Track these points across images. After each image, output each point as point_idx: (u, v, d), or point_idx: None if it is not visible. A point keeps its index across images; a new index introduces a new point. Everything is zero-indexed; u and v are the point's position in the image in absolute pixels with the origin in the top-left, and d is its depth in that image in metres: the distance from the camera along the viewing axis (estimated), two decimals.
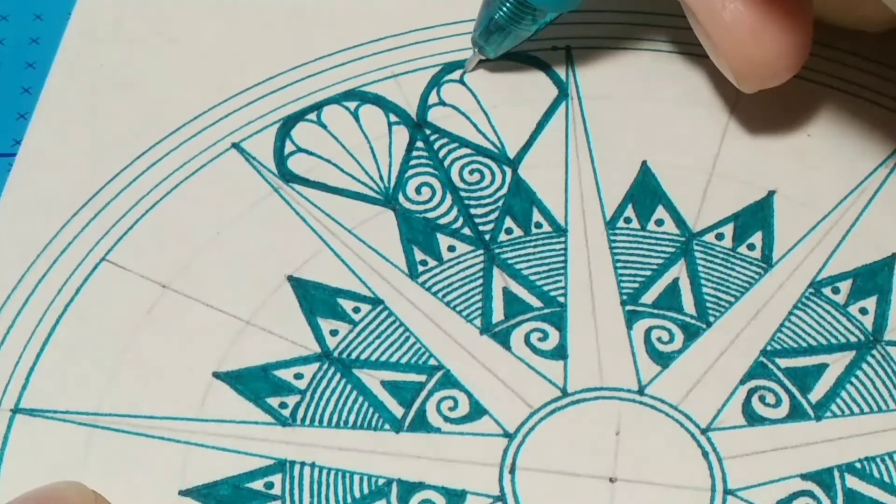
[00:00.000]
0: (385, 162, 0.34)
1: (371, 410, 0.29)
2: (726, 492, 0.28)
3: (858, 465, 0.28)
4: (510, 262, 0.32)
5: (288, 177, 0.33)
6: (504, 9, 0.33)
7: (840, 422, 0.29)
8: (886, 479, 0.28)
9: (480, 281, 0.31)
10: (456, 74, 0.35)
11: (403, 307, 0.31)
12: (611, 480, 0.28)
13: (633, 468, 0.28)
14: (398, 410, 0.29)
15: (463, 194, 0.33)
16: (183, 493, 0.28)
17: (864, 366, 0.30)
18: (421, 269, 0.32)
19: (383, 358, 0.30)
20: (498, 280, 0.31)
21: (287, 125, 0.34)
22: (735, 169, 0.33)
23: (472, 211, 0.33)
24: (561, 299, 0.31)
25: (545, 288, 0.31)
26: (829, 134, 0.34)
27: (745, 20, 0.31)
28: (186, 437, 0.29)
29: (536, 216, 0.33)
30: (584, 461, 0.29)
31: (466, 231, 0.32)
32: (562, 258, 0.32)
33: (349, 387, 0.30)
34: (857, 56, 0.35)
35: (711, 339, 0.30)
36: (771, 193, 0.33)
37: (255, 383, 0.30)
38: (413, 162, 0.34)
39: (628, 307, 0.31)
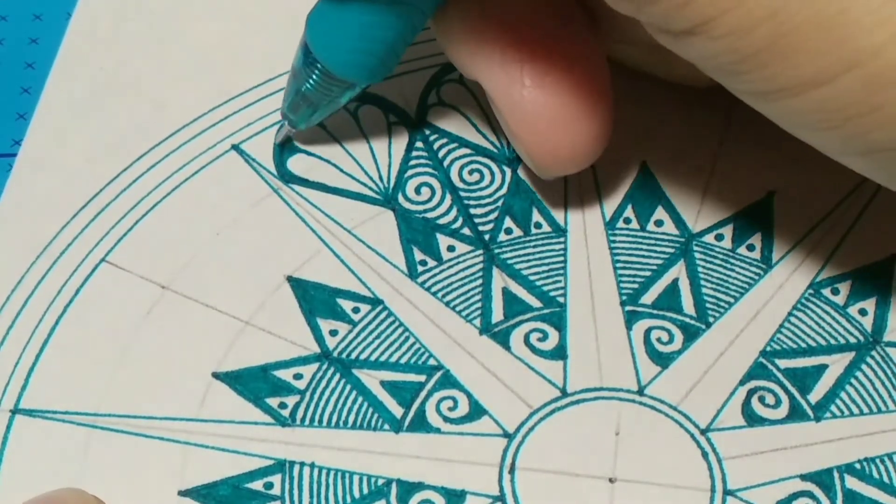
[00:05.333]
0: (384, 162, 0.34)
1: (370, 410, 0.29)
2: (726, 492, 0.28)
3: (858, 466, 0.28)
4: (510, 262, 0.32)
5: (287, 178, 0.33)
6: (311, 81, 0.31)
7: (839, 422, 0.29)
8: (886, 479, 0.28)
9: (480, 281, 0.31)
10: (455, 74, 0.35)
11: (403, 307, 0.31)
12: (610, 481, 0.28)
13: (633, 468, 0.28)
14: (398, 410, 0.29)
15: (462, 194, 0.33)
16: (182, 493, 0.28)
17: (864, 367, 0.30)
18: (420, 269, 0.32)
19: (383, 358, 0.30)
20: (497, 280, 0.31)
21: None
22: (735, 169, 0.33)
23: (472, 211, 0.33)
24: (560, 299, 0.31)
25: (545, 288, 0.31)
26: None
27: (544, 111, 0.30)
28: (186, 437, 0.29)
29: (536, 216, 0.33)
30: (583, 461, 0.29)
31: (466, 231, 0.32)
32: (561, 258, 0.32)
33: (349, 387, 0.30)
34: None
35: (711, 339, 0.30)
36: (771, 194, 0.33)
37: (254, 383, 0.30)
38: (412, 162, 0.34)
39: (628, 307, 0.31)
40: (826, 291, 0.31)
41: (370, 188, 0.33)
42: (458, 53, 0.31)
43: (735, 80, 0.26)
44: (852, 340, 0.30)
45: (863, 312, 0.31)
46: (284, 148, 0.34)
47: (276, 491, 0.28)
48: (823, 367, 0.30)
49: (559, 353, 0.30)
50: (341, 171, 0.34)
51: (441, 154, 0.34)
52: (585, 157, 0.31)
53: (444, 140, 0.34)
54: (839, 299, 0.31)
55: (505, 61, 0.30)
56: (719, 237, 0.32)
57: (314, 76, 0.31)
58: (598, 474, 0.28)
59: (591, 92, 0.30)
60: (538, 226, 0.32)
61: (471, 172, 0.34)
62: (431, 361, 0.30)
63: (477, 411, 0.29)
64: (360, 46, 0.30)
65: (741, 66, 0.25)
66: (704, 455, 0.29)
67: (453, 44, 0.31)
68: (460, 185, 0.33)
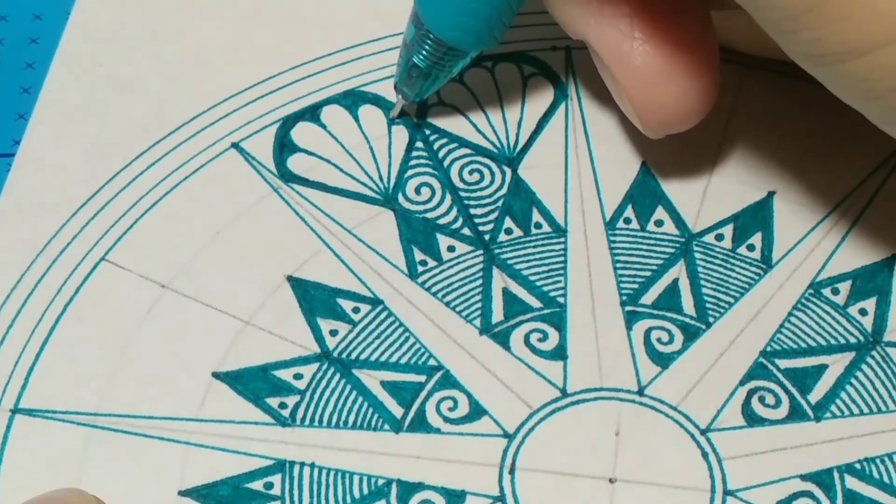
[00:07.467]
0: (385, 162, 0.34)
1: (371, 411, 0.29)
2: (726, 492, 0.28)
3: (858, 466, 0.28)
4: (510, 262, 0.32)
5: (287, 177, 0.33)
6: (423, 52, 0.32)
7: (840, 422, 0.29)
8: (886, 479, 0.28)
9: (480, 281, 0.31)
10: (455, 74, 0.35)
11: (403, 307, 0.31)
12: (610, 481, 0.28)
13: (633, 469, 0.28)
14: (398, 411, 0.29)
15: (462, 194, 0.33)
16: (182, 493, 0.28)
17: (864, 367, 0.30)
18: (420, 269, 0.32)
19: (383, 358, 0.30)
20: (498, 280, 0.31)
21: (286, 125, 0.34)
22: (735, 169, 0.33)
23: (472, 211, 0.33)
24: (560, 300, 0.31)
25: (545, 288, 0.31)
26: (829, 134, 0.34)
27: (654, 64, 0.30)
28: (186, 437, 0.29)
29: (536, 216, 0.33)
30: (583, 462, 0.29)
31: (466, 231, 0.32)
32: (561, 258, 0.32)
33: (349, 387, 0.30)
34: None
35: (711, 339, 0.30)
36: (771, 194, 0.33)
37: (254, 383, 0.30)
38: (413, 162, 0.34)
39: (628, 308, 0.31)
40: (826, 291, 0.31)
41: (370, 188, 0.33)
42: (566, 10, 0.31)
43: (786, 40, 0.26)
44: (852, 340, 0.30)
45: (863, 312, 0.31)
46: (284, 147, 0.34)
47: (276, 491, 0.28)
48: (823, 367, 0.30)
49: (559, 353, 0.30)
50: (341, 171, 0.34)
51: (441, 154, 0.34)
52: (691, 114, 0.31)
53: (444, 140, 0.34)
54: (839, 299, 0.31)
55: (615, 15, 0.30)
56: (719, 237, 0.32)
57: (426, 47, 0.32)
58: (598, 474, 0.28)
59: (699, 49, 0.30)
60: (538, 226, 0.32)
61: (471, 172, 0.34)
62: (431, 362, 0.30)
63: (477, 411, 0.29)
64: (466, 9, 0.31)
65: (789, 24, 0.25)
66: (704, 455, 0.29)
67: (561, 1, 0.31)
68: (460, 185, 0.33)
